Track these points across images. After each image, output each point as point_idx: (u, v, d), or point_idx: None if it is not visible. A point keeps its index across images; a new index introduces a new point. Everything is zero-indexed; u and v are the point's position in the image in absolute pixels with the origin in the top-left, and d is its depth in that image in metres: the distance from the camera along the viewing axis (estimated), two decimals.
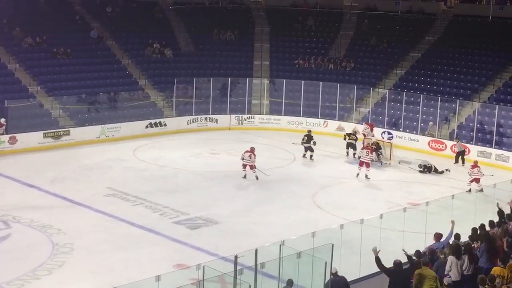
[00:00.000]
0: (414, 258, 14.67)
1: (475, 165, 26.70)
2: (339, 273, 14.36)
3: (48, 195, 24.53)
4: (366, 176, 28.04)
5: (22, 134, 30.79)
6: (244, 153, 27.30)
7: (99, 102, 35.32)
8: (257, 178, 27.11)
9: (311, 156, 30.82)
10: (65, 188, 25.25)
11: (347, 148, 31.67)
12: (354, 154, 30.85)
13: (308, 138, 31.09)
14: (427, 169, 29.50)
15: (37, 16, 37.92)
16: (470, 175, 26.70)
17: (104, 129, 33.40)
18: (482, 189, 24.98)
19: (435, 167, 29.54)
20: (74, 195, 24.36)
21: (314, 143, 30.85)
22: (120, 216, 22.38)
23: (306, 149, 31.00)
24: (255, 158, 27.33)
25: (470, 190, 25.34)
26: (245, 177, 27.24)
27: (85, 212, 22.84)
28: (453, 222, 16.37)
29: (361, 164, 28.11)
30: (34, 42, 36.40)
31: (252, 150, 27.35)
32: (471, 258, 14.19)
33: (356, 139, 31.59)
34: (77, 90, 35.23)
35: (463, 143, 31.88)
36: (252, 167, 27.26)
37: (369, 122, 33.94)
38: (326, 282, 14.38)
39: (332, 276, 14.21)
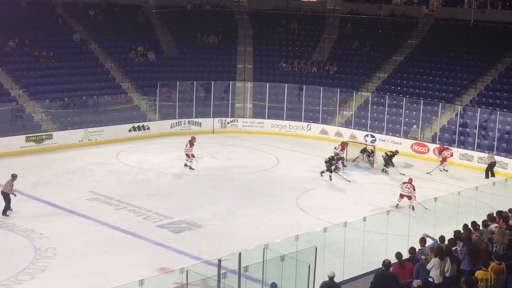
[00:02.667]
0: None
1: (409, 182, 24.75)
2: (325, 278, 14.27)
3: (31, 199, 24.38)
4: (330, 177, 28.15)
5: (4, 138, 30.62)
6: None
7: (82, 106, 35.17)
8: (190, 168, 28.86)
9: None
10: (48, 192, 25.12)
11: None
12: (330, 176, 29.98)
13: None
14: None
15: (19, 19, 37.70)
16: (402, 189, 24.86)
17: (87, 133, 33.25)
18: (413, 207, 22.79)
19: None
20: (56, 199, 24.23)
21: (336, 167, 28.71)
22: (103, 220, 22.28)
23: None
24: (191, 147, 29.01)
25: (397, 206, 24.40)
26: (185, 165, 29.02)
27: (68, 216, 22.72)
28: (425, 235, 16.40)
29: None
30: (16, 45, 36.18)
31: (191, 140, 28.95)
32: (452, 260, 14.25)
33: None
34: (59, 93, 35.10)
35: (490, 155, 30.32)
36: (189, 156, 28.94)
37: (344, 142, 32.13)
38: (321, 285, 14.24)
39: (328, 280, 13.99)
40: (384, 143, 34.35)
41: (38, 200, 24.24)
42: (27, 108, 33.32)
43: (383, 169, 30.02)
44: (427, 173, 29.06)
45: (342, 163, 29.67)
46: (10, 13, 37.54)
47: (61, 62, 36.96)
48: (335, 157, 28.73)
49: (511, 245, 15.19)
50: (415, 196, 24.16)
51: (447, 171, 30.31)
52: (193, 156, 29.17)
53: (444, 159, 30.55)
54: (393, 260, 14.40)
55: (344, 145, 31.00)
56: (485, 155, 31.12)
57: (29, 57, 36.38)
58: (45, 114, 33.37)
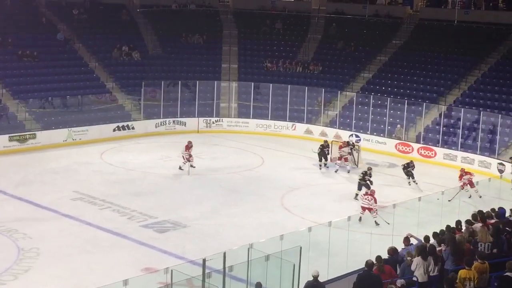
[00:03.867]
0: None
1: (370, 194, 23.07)
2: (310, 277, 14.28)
3: (13, 199, 24.24)
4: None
5: None
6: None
7: (66, 105, 34.99)
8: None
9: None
10: (31, 192, 24.97)
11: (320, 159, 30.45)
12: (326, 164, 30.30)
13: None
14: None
15: (2, 17, 37.42)
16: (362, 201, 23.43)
17: (71, 132, 33.10)
18: (376, 222, 22.01)
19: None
20: (40, 199, 24.09)
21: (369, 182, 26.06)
22: (87, 220, 22.19)
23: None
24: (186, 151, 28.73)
25: (360, 219, 22.26)
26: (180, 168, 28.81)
27: (51, 216, 22.60)
28: (409, 234, 16.44)
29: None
30: None
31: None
32: (435, 259, 14.32)
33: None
34: (43, 93, 34.91)
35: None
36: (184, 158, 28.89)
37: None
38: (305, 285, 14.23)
39: (312, 279, 13.98)
40: (369, 142, 34.46)
41: (21, 200, 24.09)
42: (10, 107, 33.10)
43: (409, 182, 27.92)
44: (448, 200, 23.82)
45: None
46: None
47: (45, 61, 36.78)
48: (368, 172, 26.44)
49: (496, 243, 15.28)
50: (376, 209, 22.42)
51: (469, 197, 25.79)
52: (187, 159, 28.63)
53: (465, 184, 25.86)
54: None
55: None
56: (470, 155, 31.35)
57: (13, 56, 36.15)
58: (29, 114, 33.18)
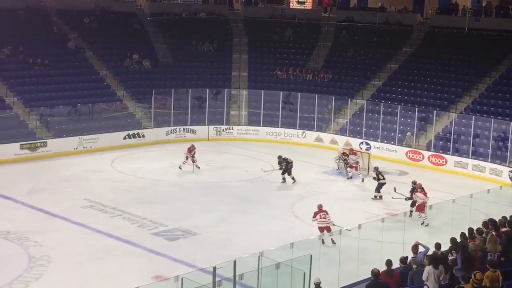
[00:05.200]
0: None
1: (324, 211, 21.40)
2: (321, 285, 14.27)
3: (25, 207, 24.32)
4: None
5: None
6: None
7: (77, 113, 35.13)
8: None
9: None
10: (42, 200, 25.05)
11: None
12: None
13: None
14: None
15: (13, 26, 37.63)
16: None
17: (82, 140, 33.21)
18: (332, 240, 20.57)
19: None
20: (51, 207, 24.16)
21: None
22: (97, 228, 22.23)
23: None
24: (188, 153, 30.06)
25: (322, 241, 20.11)
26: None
27: (62, 224, 22.65)
28: (417, 242, 16.37)
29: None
30: (10, 52, 36.14)
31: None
32: (446, 267, 14.25)
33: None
34: (54, 101, 35.05)
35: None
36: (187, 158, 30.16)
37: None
38: None
39: (314, 287, 14.10)
40: (379, 150, 34.37)
41: (33, 208, 24.16)
42: (21, 115, 33.26)
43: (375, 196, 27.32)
44: (392, 197, 25.71)
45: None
46: (4, 20, 37.44)
47: (56, 70, 36.94)
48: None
49: (506, 252, 15.20)
50: (333, 225, 21.15)
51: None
52: (191, 161, 30.06)
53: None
54: (383, 268, 14.37)
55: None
56: (481, 162, 31.23)
57: (24, 65, 36.35)
58: (40, 122, 33.31)
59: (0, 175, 28.44)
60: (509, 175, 30.12)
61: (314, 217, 21.38)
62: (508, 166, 30.69)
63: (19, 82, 35.18)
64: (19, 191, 26.07)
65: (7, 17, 37.89)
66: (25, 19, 39.23)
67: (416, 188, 24.44)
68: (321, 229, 21.04)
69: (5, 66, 35.50)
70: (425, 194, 23.93)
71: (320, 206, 21.56)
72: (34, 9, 40.41)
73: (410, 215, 24.03)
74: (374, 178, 27.68)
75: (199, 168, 30.24)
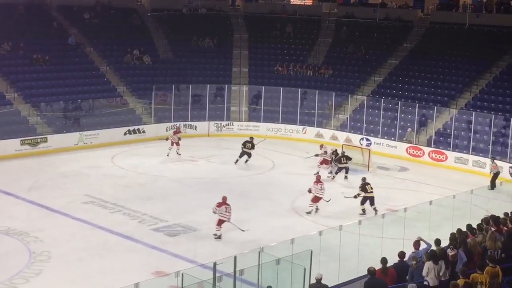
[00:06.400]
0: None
1: (223, 202, 21.56)
2: (322, 281, 14.29)
3: (25, 202, 24.34)
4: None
5: None
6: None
7: (77, 109, 35.13)
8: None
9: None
10: (43, 196, 25.06)
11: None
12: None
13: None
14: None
15: (14, 22, 37.63)
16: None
17: (82, 136, 33.22)
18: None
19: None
20: (51, 203, 24.18)
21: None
22: (98, 224, 22.25)
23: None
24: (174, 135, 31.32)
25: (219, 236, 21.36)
26: None
27: (63, 219, 22.67)
28: (419, 238, 16.40)
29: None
30: (11, 48, 36.12)
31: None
32: (446, 263, 14.27)
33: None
34: (54, 97, 35.05)
35: (495, 164, 29.10)
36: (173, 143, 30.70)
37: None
38: None
39: (315, 282, 14.11)
40: (380, 146, 34.40)
41: (33, 204, 24.18)
42: (22, 111, 33.26)
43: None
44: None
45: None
46: (4, 16, 37.44)
47: (56, 66, 36.94)
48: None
49: (505, 249, 15.21)
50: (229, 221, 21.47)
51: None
52: (173, 143, 31.42)
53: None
54: (378, 266, 14.40)
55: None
56: (481, 158, 31.21)
57: (24, 60, 36.34)
58: (40, 118, 33.31)
59: (1, 171, 28.47)
60: (509, 171, 30.13)
61: (218, 206, 21.23)
62: (509, 162, 30.71)
63: (20, 77, 35.17)
64: (20, 187, 26.08)
65: (7, 12, 37.92)
66: (26, 14, 39.22)
67: (365, 184, 24.46)
68: (220, 222, 21.19)
69: (6, 62, 35.48)
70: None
71: (224, 198, 21.54)
72: (35, 4, 40.37)
73: (364, 213, 24.18)
74: (335, 160, 28.97)
75: (179, 155, 31.34)
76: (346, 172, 29.35)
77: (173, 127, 36.00)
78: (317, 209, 24.27)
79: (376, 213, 23.79)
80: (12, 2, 38.75)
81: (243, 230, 21.54)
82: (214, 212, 21.35)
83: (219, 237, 21.23)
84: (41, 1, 40.94)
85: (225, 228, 22.15)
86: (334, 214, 24.23)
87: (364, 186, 24.51)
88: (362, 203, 24.45)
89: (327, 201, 24.47)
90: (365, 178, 25.33)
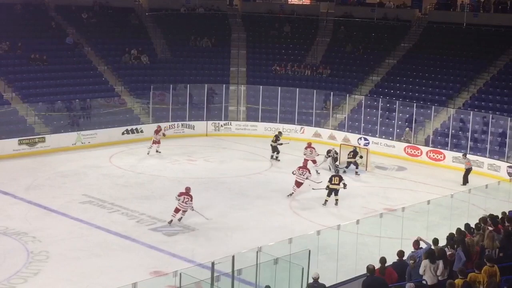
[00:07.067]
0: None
1: (186, 193, 22.41)
2: (320, 280, 14.31)
3: (23, 202, 24.31)
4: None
5: None
6: None
7: (75, 109, 35.11)
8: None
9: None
10: (40, 195, 25.04)
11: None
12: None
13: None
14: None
15: (12, 22, 37.59)
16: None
17: (80, 136, 33.19)
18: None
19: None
20: (49, 202, 24.16)
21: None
22: (96, 223, 22.24)
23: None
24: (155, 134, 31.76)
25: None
26: None
27: (61, 219, 22.65)
28: (419, 238, 16.41)
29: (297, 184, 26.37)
30: (9, 48, 36.10)
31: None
32: (445, 263, 14.28)
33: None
34: (52, 96, 35.01)
35: (468, 160, 29.76)
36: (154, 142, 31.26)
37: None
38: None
39: (312, 281, 14.14)
40: (377, 146, 34.40)
41: (31, 203, 24.16)
42: (19, 111, 33.23)
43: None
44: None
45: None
46: (2, 15, 37.41)
47: (54, 65, 36.91)
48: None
49: (503, 248, 15.23)
50: (192, 209, 22.37)
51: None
52: (154, 142, 31.88)
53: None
54: (378, 265, 14.41)
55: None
56: (480, 158, 31.25)
57: (22, 60, 36.30)
58: (38, 117, 33.28)
59: None
60: (507, 170, 30.17)
61: (179, 195, 22.19)
62: (507, 162, 30.74)
63: (17, 77, 35.13)
64: (18, 186, 26.06)
65: (5, 12, 37.89)
66: (23, 14, 39.20)
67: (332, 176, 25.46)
68: (177, 210, 22.25)
69: (3, 62, 35.45)
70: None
71: (187, 189, 22.42)
72: (33, 4, 40.35)
73: (325, 203, 25.09)
74: (272, 141, 31.79)
75: (159, 152, 31.79)
76: (357, 168, 30.14)
77: (171, 127, 36.05)
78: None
79: (336, 204, 25.14)
80: (10, 1, 38.75)
81: (207, 219, 22.42)
82: (176, 199, 22.23)
83: (170, 222, 22.25)
84: (39, 0, 40.93)
85: (224, 228, 22.19)
86: (332, 213, 24.23)
87: (331, 178, 25.41)
88: (328, 194, 25.19)
89: (315, 187, 25.76)
90: (337, 170, 27.64)
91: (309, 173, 26.29)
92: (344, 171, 29.62)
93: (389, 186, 28.66)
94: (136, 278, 14.14)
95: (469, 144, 32.61)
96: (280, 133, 33.33)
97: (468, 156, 30.60)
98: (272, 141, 32.35)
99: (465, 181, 29.02)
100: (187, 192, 22.29)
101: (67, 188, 26.33)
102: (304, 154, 30.13)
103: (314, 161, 29.98)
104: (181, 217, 22.52)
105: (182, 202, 22.16)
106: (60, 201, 24.46)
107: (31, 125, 32.73)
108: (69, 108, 34.91)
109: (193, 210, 22.35)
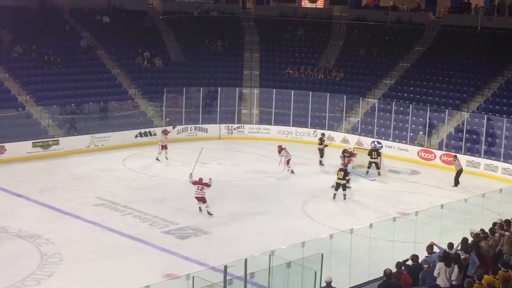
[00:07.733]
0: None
1: (200, 181, 23.88)
2: (333, 284, 14.25)
3: (37, 204, 24.40)
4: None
5: (11, 144, 30.63)
6: None
7: (89, 112, 35.24)
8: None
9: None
10: (54, 198, 25.13)
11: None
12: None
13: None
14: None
15: (26, 25, 37.82)
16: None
17: (94, 138, 33.30)
18: (208, 212, 23.72)
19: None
20: (62, 205, 24.24)
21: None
22: (109, 226, 22.28)
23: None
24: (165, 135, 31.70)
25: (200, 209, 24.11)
26: None
27: (74, 222, 22.72)
28: (432, 242, 16.34)
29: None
30: (23, 51, 36.31)
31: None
32: (460, 268, 14.20)
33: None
34: (66, 99, 35.18)
35: (459, 162, 30.12)
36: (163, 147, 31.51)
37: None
38: None
39: (325, 285, 14.10)
40: (391, 149, 34.30)
41: (44, 206, 24.25)
42: (34, 113, 33.40)
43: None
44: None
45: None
46: (17, 19, 37.65)
47: (68, 68, 37.05)
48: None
49: None
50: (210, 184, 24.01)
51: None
52: (163, 148, 31.55)
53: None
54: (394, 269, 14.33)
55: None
56: (494, 162, 31.09)
57: (37, 63, 36.48)
58: (52, 120, 33.43)
59: (13, 173, 28.59)
60: None
61: (193, 183, 23.87)
62: None
63: (32, 80, 35.30)
64: (31, 189, 26.16)
65: (19, 15, 38.11)
66: (38, 17, 39.42)
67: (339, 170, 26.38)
68: (198, 199, 23.73)
69: (18, 65, 35.66)
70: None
71: (201, 179, 23.82)
72: (47, 8, 40.61)
73: (334, 197, 26.02)
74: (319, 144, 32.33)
75: (167, 159, 31.62)
76: (378, 168, 30.39)
77: (184, 130, 36.12)
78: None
79: (344, 198, 26.13)
80: (24, 5, 38.97)
81: (210, 214, 23.63)
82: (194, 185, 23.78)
83: (200, 210, 23.91)
84: (53, 4, 41.15)
85: (236, 231, 22.19)
86: (345, 216, 24.16)
87: (338, 172, 26.46)
88: (336, 188, 26.18)
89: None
90: (345, 164, 27.69)
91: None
92: (367, 172, 30.19)
93: (402, 190, 28.56)
94: (149, 281, 14.16)
95: (483, 148, 32.43)
96: (323, 134, 33.45)
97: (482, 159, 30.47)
98: (318, 144, 32.49)
99: (457, 182, 29.29)
100: (201, 181, 23.75)
101: (80, 190, 26.42)
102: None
103: (288, 162, 30.21)
104: (207, 206, 23.76)
105: (198, 190, 23.67)
106: (74, 203, 24.54)
107: (45, 128, 32.87)
108: (82, 111, 35.03)
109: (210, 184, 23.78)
